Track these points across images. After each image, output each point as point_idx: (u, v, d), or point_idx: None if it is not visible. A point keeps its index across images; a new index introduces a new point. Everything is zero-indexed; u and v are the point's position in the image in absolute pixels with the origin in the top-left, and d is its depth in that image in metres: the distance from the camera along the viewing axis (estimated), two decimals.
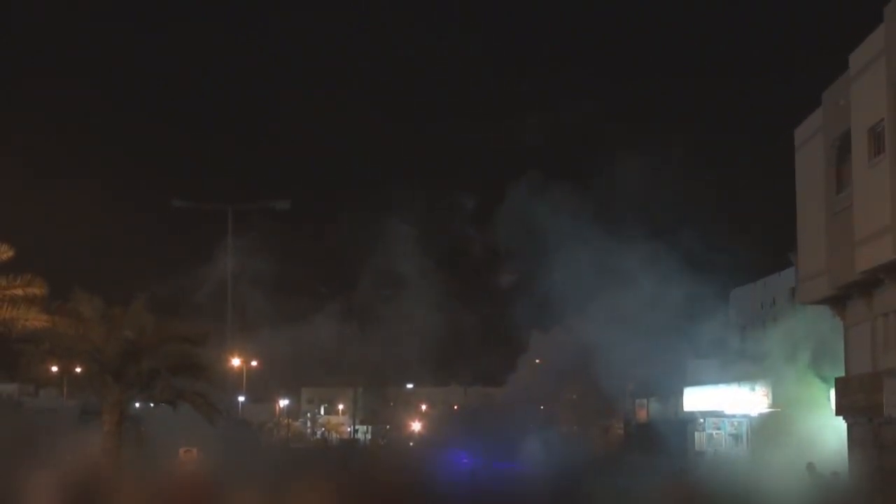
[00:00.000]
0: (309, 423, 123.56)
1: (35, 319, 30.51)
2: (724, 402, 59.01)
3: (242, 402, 72.27)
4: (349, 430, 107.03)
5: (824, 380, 44.11)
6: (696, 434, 65.14)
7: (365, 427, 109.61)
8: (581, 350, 72.94)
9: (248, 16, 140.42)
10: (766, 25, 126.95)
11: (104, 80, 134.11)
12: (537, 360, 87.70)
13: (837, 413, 40.61)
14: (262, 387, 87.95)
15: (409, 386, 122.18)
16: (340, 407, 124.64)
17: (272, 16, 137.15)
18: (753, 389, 54.14)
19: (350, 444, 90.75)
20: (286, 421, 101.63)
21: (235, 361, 67.23)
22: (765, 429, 52.09)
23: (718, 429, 61.62)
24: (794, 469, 39.49)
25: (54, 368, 35.03)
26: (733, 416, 57.44)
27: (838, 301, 40.40)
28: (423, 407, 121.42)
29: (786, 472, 38.76)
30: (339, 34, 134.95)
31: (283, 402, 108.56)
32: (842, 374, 40.05)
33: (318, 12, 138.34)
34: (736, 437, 57.31)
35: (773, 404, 52.27)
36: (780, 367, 50.47)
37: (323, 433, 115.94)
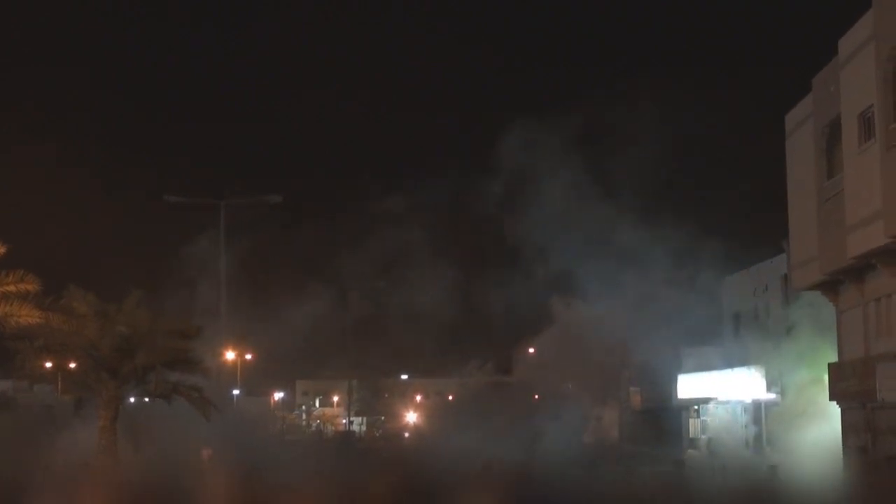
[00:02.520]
0: (304, 416, 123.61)
1: (28, 315, 30.46)
2: (718, 388, 59.14)
3: (237, 396, 72.24)
4: (344, 421, 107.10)
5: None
6: (691, 420, 65.29)
7: (360, 418, 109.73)
8: (576, 338, 73.16)
9: (241, 9, 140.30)
10: (757, 11, 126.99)
11: (97, 74, 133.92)
12: (531, 350, 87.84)
13: (831, 398, 40.75)
14: (256, 380, 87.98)
15: (404, 377, 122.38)
16: (335, 399, 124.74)
17: (264, 8, 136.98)
18: (750, 372, 54.30)
19: (346, 435, 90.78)
20: (281, 414, 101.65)
21: (230, 355, 67.24)
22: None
23: (713, 415, 61.77)
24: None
25: (49, 365, 35.00)
26: (727, 401, 57.53)
27: (831, 287, 40.54)
28: (418, 397, 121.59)
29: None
30: (331, 28, 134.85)
31: (279, 395, 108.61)
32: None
33: (308, 4, 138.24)
34: (731, 423, 57.31)
35: (773, 388, 52.44)
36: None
37: (318, 425, 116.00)
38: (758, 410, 54.50)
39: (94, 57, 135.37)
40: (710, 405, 61.10)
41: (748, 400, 54.96)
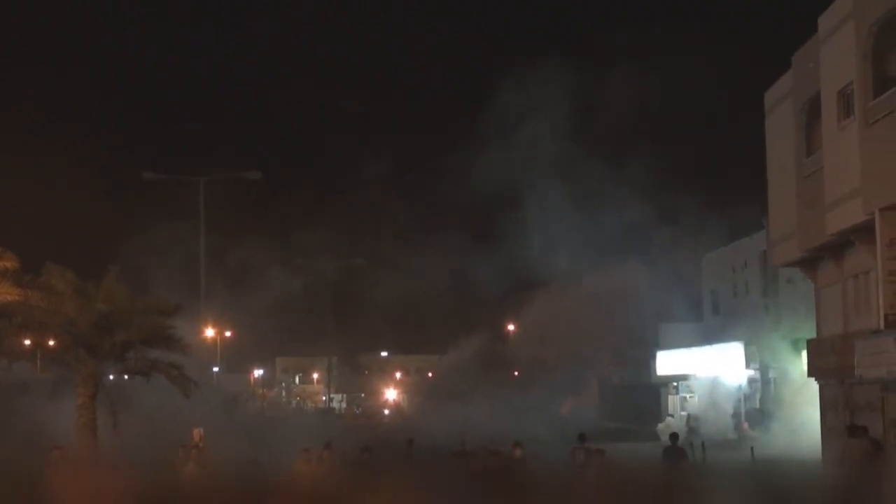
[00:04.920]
0: (284, 393, 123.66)
1: (7, 293, 30.38)
2: (697, 365, 59.30)
3: (217, 373, 72.23)
4: (324, 398, 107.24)
5: None
6: (670, 397, 65.48)
7: (340, 395, 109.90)
8: (558, 315, 73.34)
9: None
10: None
11: (77, 54, 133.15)
12: (511, 327, 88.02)
13: (809, 374, 40.94)
14: (237, 357, 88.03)
15: (384, 354, 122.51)
16: (315, 376, 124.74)
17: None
18: (729, 349, 54.44)
19: (326, 412, 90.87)
20: (261, 391, 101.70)
21: (209, 332, 67.17)
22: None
23: (692, 392, 61.95)
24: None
25: (27, 342, 34.87)
26: (713, 377, 57.53)
27: (810, 263, 40.65)
28: (398, 374, 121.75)
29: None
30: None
31: (258, 372, 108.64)
32: None
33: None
34: (716, 400, 57.29)
35: (752, 365, 52.60)
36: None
37: (298, 402, 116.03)
38: (742, 387, 54.68)
39: (66, 32, 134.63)
40: (693, 381, 61.27)
41: (729, 376, 55.15)
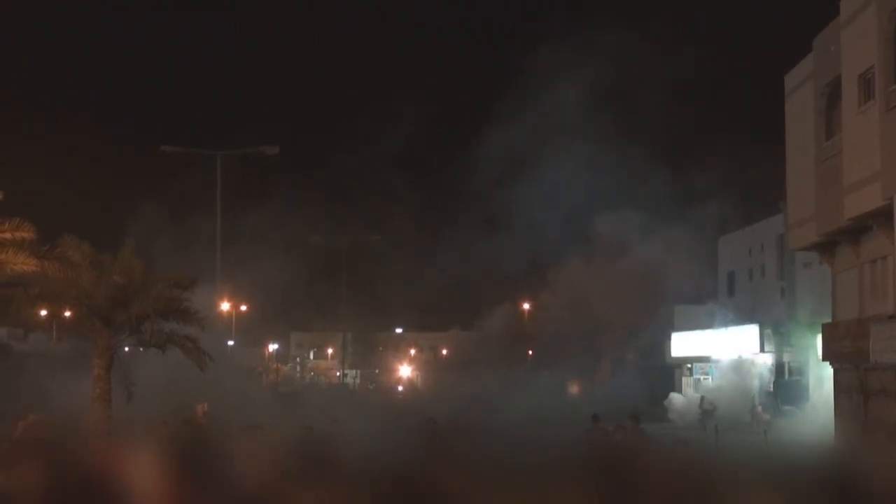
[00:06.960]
0: (298, 368, 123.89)
1: (24, 264, 30.41)
2: (713, 347, 59.22)
3: (231, 347, 72.40)
4: (338, 374, 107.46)
5: None
6: (684, 379, 65.47)
7: (354, 371, 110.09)
8: (574, 294, 73.31)
9: None
10: None
11: (95, 27, 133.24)
12: (527, 305, 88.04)
13: (824, 358, 40.88)
14: (251, 331, 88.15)
15: (399, 330, 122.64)
16: (329, 351, 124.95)
17: None
18: (745, 331, 54.38)
19: (340, 388, 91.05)
20: (275, 366, 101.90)
21: (225, 306, 67.29)
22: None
23: (706, 374, 61.90)
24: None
25: (43, 313, 34.94)
26: (735, 359, 57.38)
27: (826, 247, 40.55)
28: (413, 351, 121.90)
29: None
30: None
31: (273, 347, 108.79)
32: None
33: None
34: (734, 383, 57.16)
35: (768, 347, 52.54)
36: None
37: (311, 378, 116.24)
38: (768, 369, 54.55)
39: (84, 5, 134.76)
40: (710, 363, 61.20)
41: (747, 358, 55.05)
